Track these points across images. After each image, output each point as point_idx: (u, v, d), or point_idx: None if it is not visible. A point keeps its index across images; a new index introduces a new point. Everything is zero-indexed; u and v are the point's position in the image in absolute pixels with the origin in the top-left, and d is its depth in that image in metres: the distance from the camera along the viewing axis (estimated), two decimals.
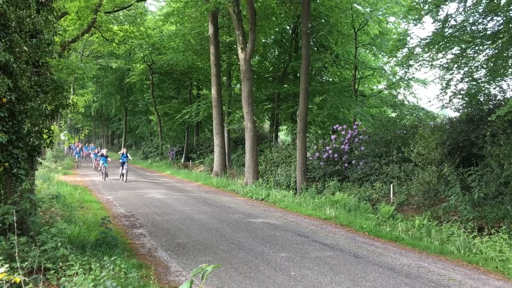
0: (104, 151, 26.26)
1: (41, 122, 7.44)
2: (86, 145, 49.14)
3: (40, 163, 9.80)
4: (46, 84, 7.27)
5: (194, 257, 8.20)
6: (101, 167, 25.49)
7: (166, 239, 9.78)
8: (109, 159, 25.77)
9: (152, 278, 6.16)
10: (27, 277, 5.25)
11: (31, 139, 7.34)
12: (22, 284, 4.63)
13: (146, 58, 34.63)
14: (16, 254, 5.32)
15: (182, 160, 35.93)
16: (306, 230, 11.07)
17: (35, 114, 7.01)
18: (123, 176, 23.95)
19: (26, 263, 5.58)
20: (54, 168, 24.99)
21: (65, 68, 17.62)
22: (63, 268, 5.94)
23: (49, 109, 7.75)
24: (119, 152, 28.25)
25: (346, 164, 17.43)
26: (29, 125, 7.24)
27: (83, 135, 19.58)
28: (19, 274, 4.82)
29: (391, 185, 14.20)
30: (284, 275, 7.11)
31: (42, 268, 5.76)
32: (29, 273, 5.60)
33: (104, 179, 24.08)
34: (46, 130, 7.89)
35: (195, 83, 37.68)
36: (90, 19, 19.30)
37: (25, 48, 6.61)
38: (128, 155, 25.16)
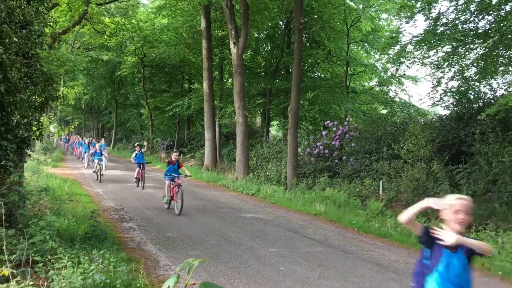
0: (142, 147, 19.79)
1: (30, 114, 7.37)
2: (93, 140, 35.90)
3: (29, 155, 9.73)
4: (36, 76, 7.20)
5: (184, 251, 8.20)
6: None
7: (155, 233, 9.76)
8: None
9: (141, 272, 6.16)
10: (15, 269, 5.22)
11: (20, 131, 7.27)
12: (10, 276, 4.61)
13: (137, 51, 34.39)
14: (4, 246, 5.29)
15: None
16: (295, 225, 11.11)
17: (24, 106, 6.94)
18: None
19: (14, 255, 5.54)
20: (43, 160, 24.80)
21: (56, 60, 17.42)
22: (51, 261, 5.90)
23: (38, 101, 7.67)
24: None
25: (336, 160, 17.50)
26: (18, 117, 7.16)
27: (72, 127, 19.34)
28: (7, 266, 4.79)
29: (381, 182, 14.29)
30: (273, 270, 7.14)
31: (30, 261, 5.73)
32: (17, 266, 5.56)
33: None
34: (36, 122, 7.82)
35: (186, 77, 37.51)
36: (81, 11, 19.09)
37: (15, 39, 6.53)
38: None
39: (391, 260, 8.09)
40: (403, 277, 7.01)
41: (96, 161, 20.62)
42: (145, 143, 23.43)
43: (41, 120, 8.21)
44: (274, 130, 43.97)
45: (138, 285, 5.70)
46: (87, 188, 17.02)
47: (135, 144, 18.78)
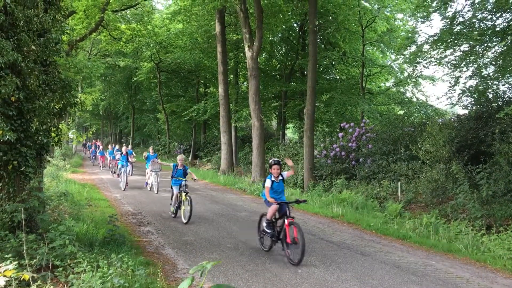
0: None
1: (49, 120, 7.49)
2: (129, 147, 26.19)
3: (49, 161, 9.88)
4: (54, 83, 7.32)
5: (201, 255, 8.22)
6: None
7: (173, 236, 9.81)
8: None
9: (160, 276, 6.19)
10: (36, 274, 5.29)
11: (39, 138, 7.39)
12: (31, 281, 4.68)
13: (153, 57, 34.74)
14: (24, 251, 5.37)
15: (190, 158, 36.01)
16: (313, 228, 11.06)
17: (43, 112, 7.05)
18: None
19: (35, 260, 5.62)
20: (62, 166, 25.16)
21: (73, 67, 17.72)
22: (71, 265, 5.97)
23: (57, 107, 7.80)
24: None
25: (353, 162, 17.38)
26: (37, 124, 7.28)
27: (91, 133, 19.55)
28: (27, 271, 4.86)
29: (399, 183, 14.14)
30: (291, 273, 7.11)
31: (50, 265, 5.80)
32: (37, 270, 5.64)
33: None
34: (54, 129, 7.95)
35: (202, 81, 37.76)
36: (97, 18, 19.40)
37: (33, 47, 6.65)
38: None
39: (410, 262, 7.99)
40: (422, 279, 6.92)
41: (175, 192, 11.92)
42: (291, 163, 8.62)
43: (59, 126, 8.34)
44: (290, 133, 43.88)
45: None
46: (105, 193, 17.20)
47: (271, 162, 8.53)
